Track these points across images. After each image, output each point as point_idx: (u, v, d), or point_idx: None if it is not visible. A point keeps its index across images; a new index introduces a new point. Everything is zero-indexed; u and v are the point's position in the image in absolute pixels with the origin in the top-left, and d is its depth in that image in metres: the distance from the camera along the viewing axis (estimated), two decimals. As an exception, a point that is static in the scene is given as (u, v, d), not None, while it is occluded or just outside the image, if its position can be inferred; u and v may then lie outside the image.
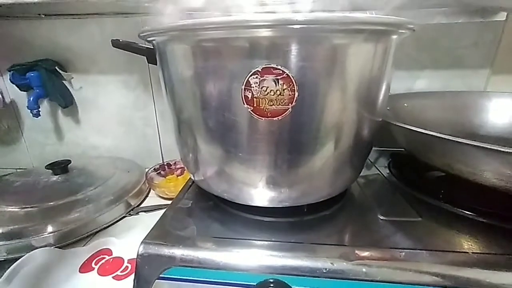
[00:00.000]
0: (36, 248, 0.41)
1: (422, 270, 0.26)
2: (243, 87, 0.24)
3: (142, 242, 0.29)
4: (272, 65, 0.23)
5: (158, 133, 0.68)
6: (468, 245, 0.29)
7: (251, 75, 0.24)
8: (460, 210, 0.34)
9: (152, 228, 0.32)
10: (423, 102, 0.53)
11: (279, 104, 0.24)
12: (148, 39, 0.30)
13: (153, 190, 0.58)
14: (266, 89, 0.24)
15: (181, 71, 0.28)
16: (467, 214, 0.33)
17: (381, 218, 0.33)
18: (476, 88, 0.57)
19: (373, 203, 0.36)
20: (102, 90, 0.65)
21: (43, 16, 0.60)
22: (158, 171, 0.62)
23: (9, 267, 0.36)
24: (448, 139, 0.29)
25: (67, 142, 0.71)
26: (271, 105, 0.24)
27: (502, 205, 0.33)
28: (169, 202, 0.54)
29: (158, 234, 0.31)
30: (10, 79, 0.61)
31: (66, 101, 0.64)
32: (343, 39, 0.24)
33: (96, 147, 0.71)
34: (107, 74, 0.63)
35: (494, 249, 0.28)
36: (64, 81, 0.64)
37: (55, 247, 0.42)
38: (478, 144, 0.27)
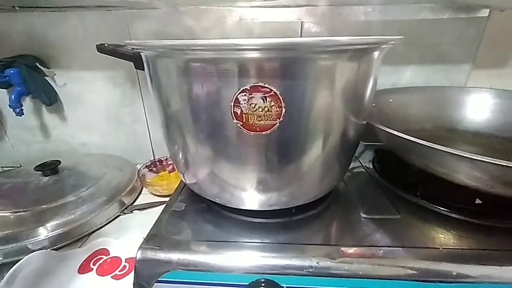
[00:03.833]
0: (33, 251, 0.41)
1: (398, 265, 0.29)
2: (232, 103, 0.25)
3: (139, 248, 0.31)
4: (260, 84, 0.24)
5: (148, 129, 0.67)
6: (440, 240, 0.32)
7: (239, 93, 0.24)
8: (436, 206, 0.37)
9: (149, 232, 0.33)
10: (407, 97, 0.55)
11: (267, 119, 0.25)
12: (136, 50, 0.30)
13: (146, 188, 0.59)
14: (255, 106, 0.25)
15: (169, 84, 0.28)
16: (442, 210, 0.36)
17: (363, 216, 0.36)
18: (458, 82, 0.59)
19: (356, 201, 0.39)
20: (87, 87, 0.63)
21: (18, 8, 0.56)
22: (150, 168, 0.63)
23: (7, 271, 0.37)
24: (425, 145, 0.31)
25: (54, 140, 0.70)
26: (259, 121, 0.25)
27: (473, 201, 0.36)
28: (163, 199, 0.56)
29: (154, 239, 0.32)
30: (-13, 76, 0.58)
31: (50, 99, 0.62)
32: (327, 60, 0.25)
33: (85, 144, 0.70)
34: (92, 70, 0.62)
35: (464, 243, 0.31)
36: (46, 78, 0.62)
37: (51, 249, 0.43)
38: (450, 151, 0.29)
